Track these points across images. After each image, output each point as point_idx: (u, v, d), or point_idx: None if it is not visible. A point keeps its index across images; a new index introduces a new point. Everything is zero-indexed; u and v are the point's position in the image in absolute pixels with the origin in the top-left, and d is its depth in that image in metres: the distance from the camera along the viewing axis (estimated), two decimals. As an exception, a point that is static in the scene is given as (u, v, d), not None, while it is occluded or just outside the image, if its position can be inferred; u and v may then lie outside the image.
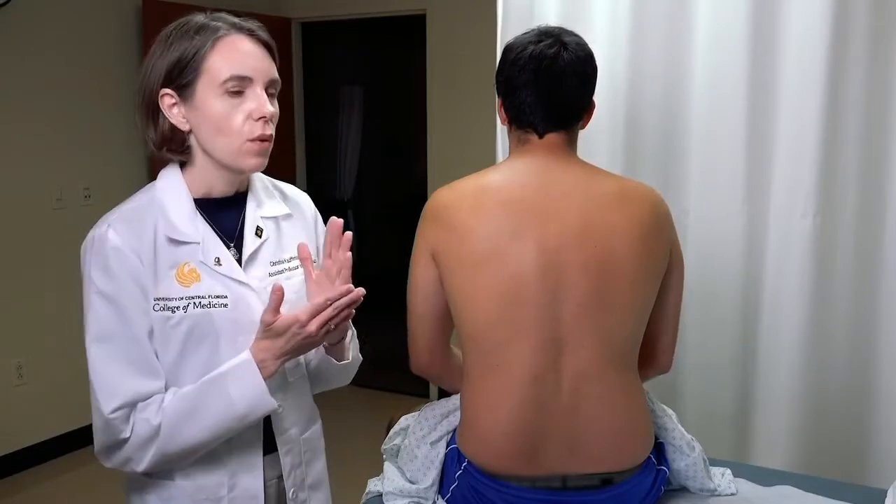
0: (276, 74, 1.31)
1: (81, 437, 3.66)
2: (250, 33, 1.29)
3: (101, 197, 3.83)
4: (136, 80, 1.32)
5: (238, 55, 1.25)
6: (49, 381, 3.63)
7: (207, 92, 1.25)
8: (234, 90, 1.24)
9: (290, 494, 1.39)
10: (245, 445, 1.33)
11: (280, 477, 1.39)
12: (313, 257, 1.38)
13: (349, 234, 1.30)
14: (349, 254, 1.30)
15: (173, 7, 3.91)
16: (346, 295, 1.23)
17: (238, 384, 1.24)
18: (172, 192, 1.32)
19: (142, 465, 1.25)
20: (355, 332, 1.49)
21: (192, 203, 1.32)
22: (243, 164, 1.28)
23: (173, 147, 1.32)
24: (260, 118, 1.25)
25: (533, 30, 1.52)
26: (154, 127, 1.31)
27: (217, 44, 1.25)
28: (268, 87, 1.28)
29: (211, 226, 1.33)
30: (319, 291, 1.27)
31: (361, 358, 1.50)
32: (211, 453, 1.30)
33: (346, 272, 1.29)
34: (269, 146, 1.30)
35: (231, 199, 1.36)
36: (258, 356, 1.25)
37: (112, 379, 1.24)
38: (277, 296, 1.21)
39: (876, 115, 1.88)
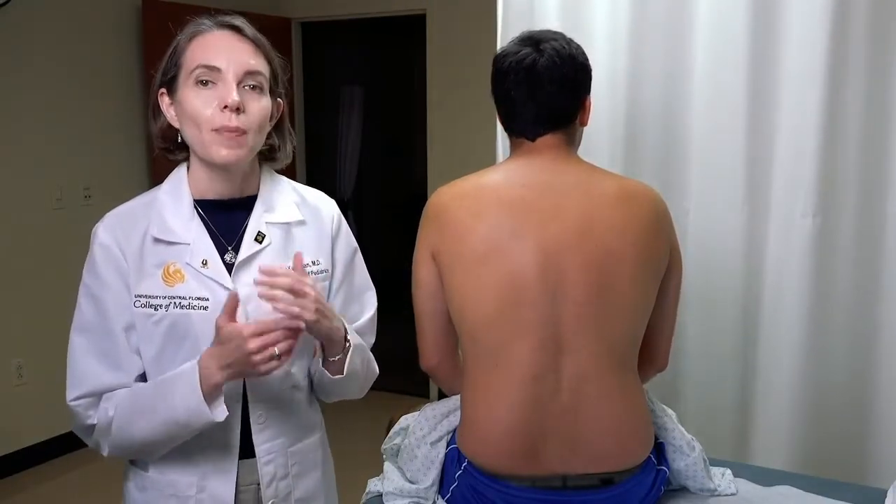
0: (255, 66, 1.28)
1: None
2: (234, 29, 1.29)
3: (101, 197, 3.83)
4: None
5: (210, 46, 1.27)
6: (49, 381, 3.61)
7: (184, 84, 1.27)
8: (203, 79, 1.25)
9: None
10: (219, 449, 1.32)
11: (259, 484, 1.36)
12: (325, 267, 1.39)
13: (308, 279, 1.24)
14: (311, 292, 1.22)
15: (173, 7, 3.91)
16: (291, 317, 1.19)
17: (181, 391, 1.22)
18: (173, 193, 1.34)
19: (104, 452, 1.31)
20: (366, 344, 1.46)
21: (191, 204, 1.33)
22: (213, 155, 1.26)
23: (164, 146, 1.36)
24: (224, 107, 1.24)
25: (517, 37, 1.54)
26: (156, 125, 1.35)
27: (194, 38, 1.28)
28: (243, 79, 1.26)
29: (209, 228, 1.33)
30: None
31: (377, 371, 1.48)
32: (184, 450, 1.30)
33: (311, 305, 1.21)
34: (243, 138, 1.26)
35: (240, 202, 1.36)
36: (204, 362, 1.22)
37: (80, 369, 1.29)
38: (231, 303, 1.19)
39: (876, 114, 1.88)
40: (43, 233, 3.65)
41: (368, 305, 1.49)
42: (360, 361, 1.38)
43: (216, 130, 1.25)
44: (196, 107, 1.25)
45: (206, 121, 1.25)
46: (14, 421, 3.58)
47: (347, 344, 1.33)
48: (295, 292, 1.20)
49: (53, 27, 3.64)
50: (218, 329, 1.20)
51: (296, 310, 1.20)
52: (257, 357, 1.18)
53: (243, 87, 1.26)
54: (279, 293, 1.20)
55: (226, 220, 1.34)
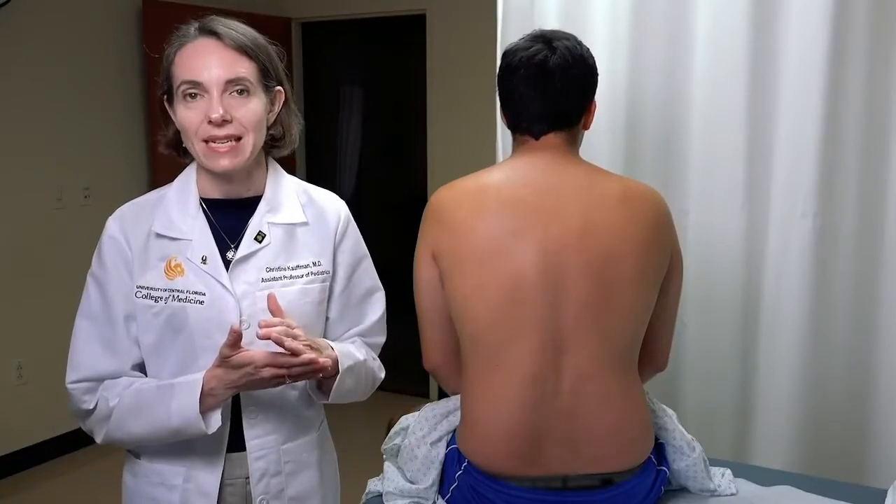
0: (237, 73, 1.28)
1: (81, 437, 3.63)
2: (215, 36, 1.29)
3: (101, 197, 3.83)
4: None
5: (192, 60, 1.28)
6: (49, 381, 3.60)
7: (176, 98, 1.30)
8: (189, 93, 1.28)
9: (257, 501, 1.37)
10: (207, 440, 1.33)
11: (248, 478, 1.37)
12: (326, 268, 1.40)
13: (275, 320, 1.28)
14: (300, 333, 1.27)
15: (173, 7, 3.91)
16: (304, 364, 1.24)
17: (179, 400, 1.27)
18: (182, 191, 1.38)
19: (98, 439, 1.35)
20: (377, 345, 1.51)
21: (197, 202, 1.36)
22: (213, 166, 1.30)
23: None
24: (209, 122, 1.27)
25: (529, 34, 1.53)
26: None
27: (179, 51, 1.30)
28: (227, 87, 1.28)
29: (213, 225, 1.35)
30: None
31: (381, 376, 1.52)
32: (174, 442, 1.33)
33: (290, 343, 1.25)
34: (239, 144, 1.29)
35: (246, 202, 1.38)
36: (209, 383, 1.27)
37: (80, 353, 1.34)
38: (234, 337, 1.22)
39: (876, 114, 1.88)
40: (43, 233, 3.65)
41: (376, 307, 1.51)
42: (354, 381, 1.40)
43: (206, 141, 1.28)
44: (186, 119, 1.28)
45: (195, 133, 1.28)
46: (14, 421, 3.57)
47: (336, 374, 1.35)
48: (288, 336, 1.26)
49: (53, 27, 3.64)
50: (223, 356, 1.25)
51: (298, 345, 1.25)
52: (271, 382, 1.26)
53: (229, 93, 1.28)
54: (277, 336, 1.24)
55: (231, 218, 1.37)
